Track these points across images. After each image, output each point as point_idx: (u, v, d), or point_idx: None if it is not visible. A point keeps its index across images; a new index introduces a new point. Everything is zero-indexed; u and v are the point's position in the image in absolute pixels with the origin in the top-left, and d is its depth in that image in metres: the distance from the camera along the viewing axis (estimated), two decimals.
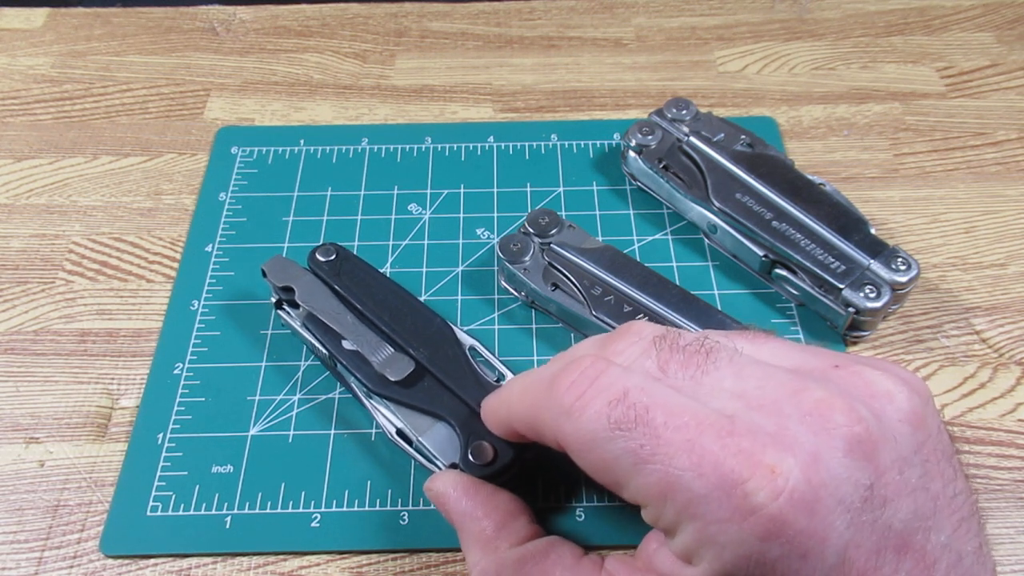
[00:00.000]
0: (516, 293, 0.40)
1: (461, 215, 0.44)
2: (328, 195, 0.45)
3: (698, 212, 0.42)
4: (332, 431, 0.36)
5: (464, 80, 0.52)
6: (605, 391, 0.25)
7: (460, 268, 0.42)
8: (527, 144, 0.47)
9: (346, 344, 0.35)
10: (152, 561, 0.33)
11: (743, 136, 0.43)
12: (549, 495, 0.34)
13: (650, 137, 0.44)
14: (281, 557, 0.33)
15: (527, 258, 0.39)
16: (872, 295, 0.37)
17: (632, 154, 0.44)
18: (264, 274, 0.37)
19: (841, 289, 0.37)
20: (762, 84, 0.51)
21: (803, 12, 0.56)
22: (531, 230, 0.40)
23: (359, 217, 0.44)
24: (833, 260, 0.38)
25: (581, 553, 0.29)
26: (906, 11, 0.55)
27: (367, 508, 0.34)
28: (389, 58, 0.53)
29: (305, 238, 0.43)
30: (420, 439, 0.34)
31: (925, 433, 0.24)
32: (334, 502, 0.34)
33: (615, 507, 0.34)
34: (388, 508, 0.34)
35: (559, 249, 0.39)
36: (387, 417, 0.35)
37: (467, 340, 0.36)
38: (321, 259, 0.38)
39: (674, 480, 0.23)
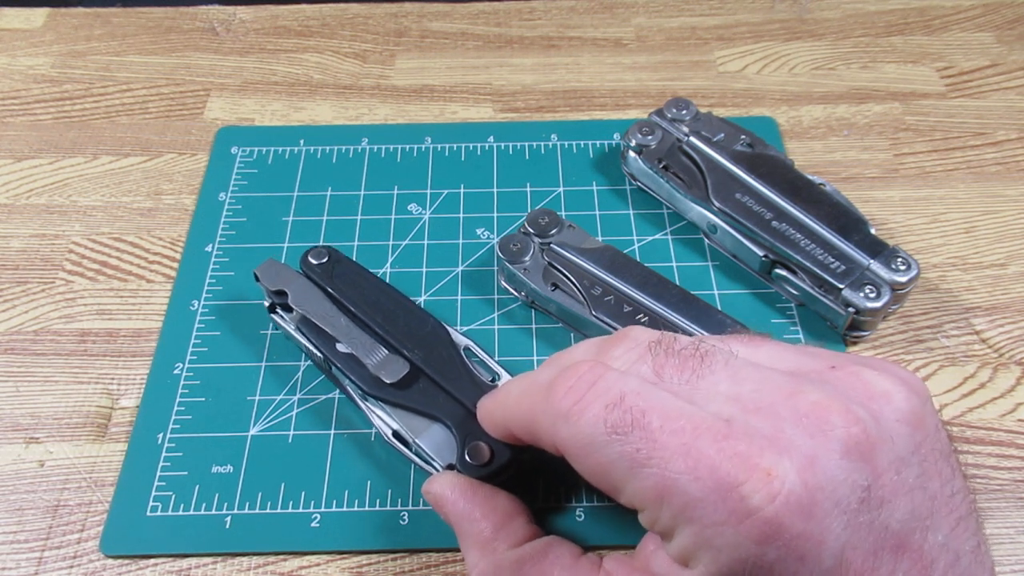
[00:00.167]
0: (516, 293, 0.40)
1: (461, 215, 0.44)
2: (328, 195, 0.45)
3: (698, 212, 0.42)
4: (332, 431, 0.36)
5: (464, 80, 0.52)
6: (602, 395, 0.25)
7: (460, 268, 0.42)
8: (527, 144, 0.47)
9: (340, 347, 0.35)
10: (152, 561, 0.33)
11: (743, 136, 0.43)
12: (549, 495, 0.34)
13: (650, 137, 0.44)
14: (281, 557, 0.33)
15: (527, 258, 0.39)
16: (872, 295, 0.37)
17: (632, 154, 0.44)
18: (257, 278, 0.37)
19: (841, 289, 0.37)
20: (762, 84, 0.51)
21: (803, 12, 0.56)
22: (531, 230, 0.40)
23: (359, 217, 0.44)
24: (833, 260, 0.38)
25: (579, 552, 0.29)
26: (906, 11, 0.55)
27: (367, 508, 0.34)
28: (389, 58, 0.53)
29: (305, 238, 0.43)
30: (416, 441, 0.34)
31: (923, 433, 0.24)
32: (334, 502, 0.34)
33: (614, 507, 0.34)
34: (388, 508, 0.34)
35: (559, 249, 0.39)
36: (383, 419, 0.35)
37: (462, 341, 0.36)
38: (313, 262, 0.38)
39: (670, 484, 0.23)
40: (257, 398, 0.37)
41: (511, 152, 0.47)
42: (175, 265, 0.42)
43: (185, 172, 0.47)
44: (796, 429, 0.23)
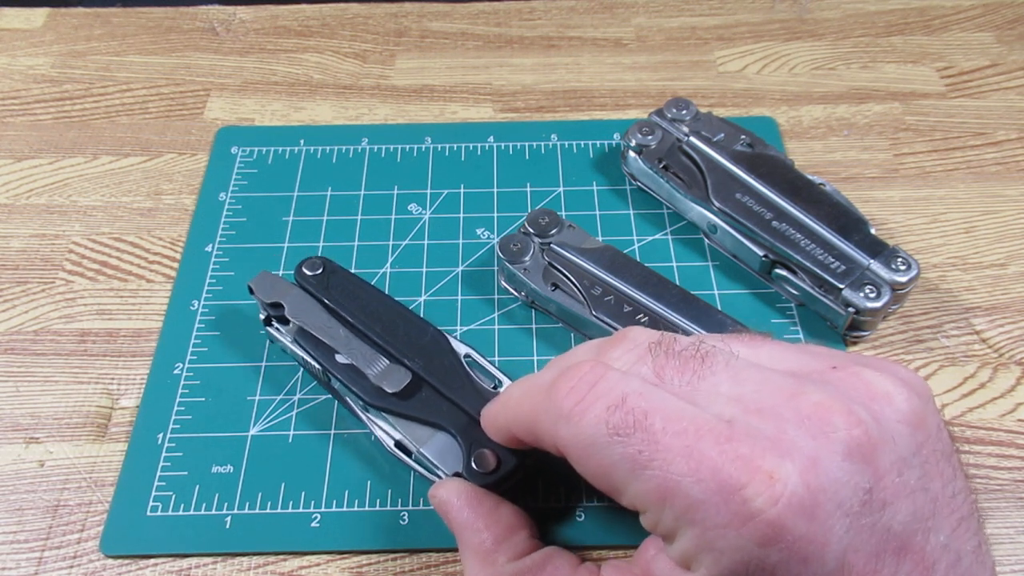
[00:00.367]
0: (516, 293, 0.40)
1: (461, 215, 0.44)
2: (328, 195, 0.45)
3: (698, 212, 0.42)
4: (332, 431, 0.36)
5: (464, 80, 0.52)
6: (604, 396, 0.25)
7: (460, 268, 0.42)
8: (527, 144, 0.47)
9: (340, 358, 0.35)
10: (152, 561, 0.33)
11: (743, 136, 0.43)
12: (549, 496, 0.34)
13: (650, 137, 0.44)
14: (281, 557, 0.33)
15: (527, 258, 0.39)
16: (872, 295, 0.37)
17: (632, 154, 0.44)
18: (251, 291, 0.37)
19: (841, 289, 0.37)
20: (762, 84, 0.51)
21: (803, 12, 0.56)
22: (531, 230, 0.40)
23: (359, 217, 0.44)
24: (833, 260, 0.38)
25: (578, 562, 0.29)
26: (906, 11, 0.55)
27: (367, 508, 0.34)
28: (389, 58, 0.53)
29: (305, 238, 0.43)
30: (421, 450, 0.33)
31: (924, 434, 0.24)
32: (334, 502, 0.34)
33: (615, 508, 0.34)
34: (388, 508, 0.34)
35: (559, 249, 0.39)
36: (385, 430, 0.35)
37: (462, 348, 0.36)
38: (308, 273, 0.37)
39: (673, 486, 0.23)
40: (257, 398, 0.37)
41: (511, 152, 0.47)
42: (175, 265, 0.42)
43: (185, 172, 0.47)
44: (798, 430, 0.23)
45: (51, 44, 0.54)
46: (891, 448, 0.23)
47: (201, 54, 0.53)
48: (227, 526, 0.34)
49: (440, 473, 0.33)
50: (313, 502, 0.34)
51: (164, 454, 0.36)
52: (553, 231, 0.40)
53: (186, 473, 0.35)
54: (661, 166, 0.43)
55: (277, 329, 0.37)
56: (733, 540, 0.22)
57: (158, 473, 0.35)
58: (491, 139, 0.48)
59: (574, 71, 0.52)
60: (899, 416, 0.24)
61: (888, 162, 0.47)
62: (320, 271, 0.37)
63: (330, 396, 0.37)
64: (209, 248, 0.43)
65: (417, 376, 0.34)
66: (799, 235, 0.39)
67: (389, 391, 0.34)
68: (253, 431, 0.36)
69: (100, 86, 0.51)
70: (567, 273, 0.39)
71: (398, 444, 0.34)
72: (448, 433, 0.33)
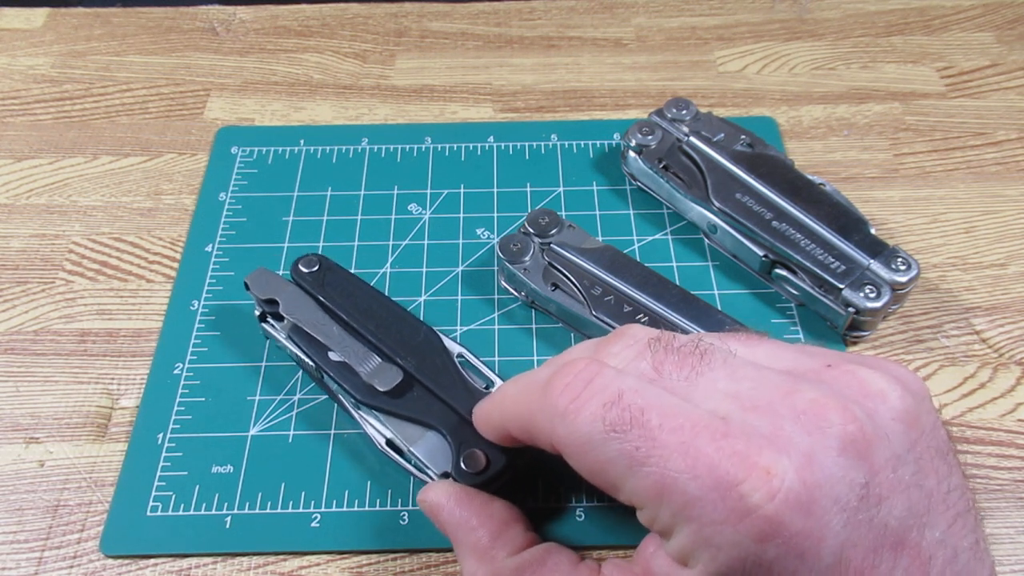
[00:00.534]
0: (516, 293, 0.40)
1: (461, 215, 0.44)
2: (328, 195, 0.45)
3: (698, 212, 0.42)
4: (332, 431, 0.36)
5: (464, 80, 0.52)
6: (600, 393, 0.25)
7: (460, 268, 0.42)
8: (527, 144, 0.47)
9: (333, 355, 0.35)
10: (152, 561, 0.33)
11: (743, 136, 0.43)
12: (548, 495, 0.34)
13: (650, 137, 0.44)
14: (281, 557, 0.33)
15: (527, 258, 0.39)
16: (872, 295, 0.37)
17: (632, 154, 0.44)
18: (247, 287, 0.37)
19: (841, 289, 0.37)
20: (762, 84, 0.51)
21: (803, 12, 0.56)
22: (531, 230, 0.40)
23: (359, 217, 0.44)
24: (833, 260, 0.38)
25: (578, 559, 0.29)
26: (906, 11, 0.55)
27: (367, 508, 0.34)
28: (389, 58, 0.53)
29: (305, 238, 0.43)
30: (411, 449, 0.34)
31: (918, 431, 0.24)
32: (334, 502, 0.34)
33: (614, 507, 0.34)
34: (388, 508, 0.34)
35: (559, 249, 0.39)
36: (376, 428, 0.35)
37: (455, 348, 0.36)
38: (304, 270, 0.37)
39: (669, 482, 0.23)
40: (257, 398, 0.37)
41: (511, 152, 0.47)
42: (175, 265, 0.42)
43: (185, 172, 0.47)
44: (794, 427, 0.23)
45: (51, 44, 0.54)
46: (885, 444, 0.23)
47: (201, 54, 0.53)
48: (227, 526, 0.34)
49: (430, 472, 0.33)
50: (313, 502, 0.34)
51: (164, 454, 0.36)
52: (553, 231, 0.40)
53: (186, 473, 0.35)
54: (661, 166, 0.43)
55: (272, 325, 0.37)
56: (730, 536, 0.22)
57: (158, 473, 0.35)
58: (491, 139, 0.48)
59: (574, 71, 0.52)
60: (893, 413, 0.24)
61: (888, 162, 0.47)
62: (316, 268, 0.37)
63: (329, 396, 0.37)
64: (209, 248, 0.43)
65: (409, 375, 0.34)
66: (799, 235, 0.39)
67: (380, 389, 0.34)
68: (253, 431, 0.36)
69: (100, 86, 0.51)
70: (567, 273, 0.39)
71: (389, 443, 0.34)
72: (438, 432, 0.33)
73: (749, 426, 0.23)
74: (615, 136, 0.48)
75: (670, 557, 0.25)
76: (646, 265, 0.39)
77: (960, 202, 0.45)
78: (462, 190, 0.45)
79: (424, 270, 0.42)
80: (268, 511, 0.34)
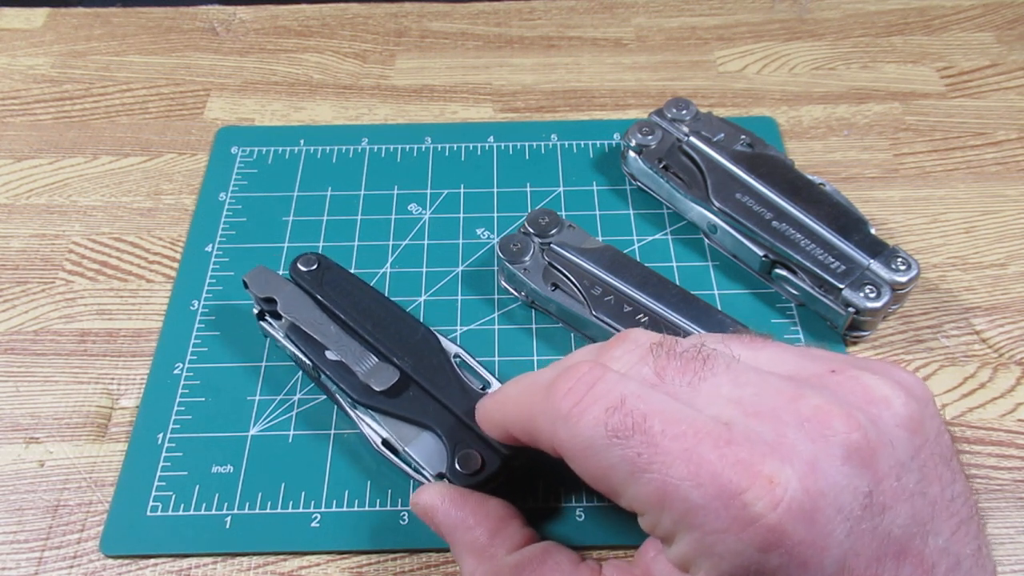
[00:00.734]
0: (516, 293, 0.40)
1: (461, 215, 0.44)
2: (328, 195, 0.45)
3: (698, 212, 0.42)
4: (332, 431, 0.36)
5: (464, 80, 0.52)
6: (602, 398, 0.24)
7: (460, 268, 0.42)
8: (527, 144, 0.47)
9: (330, 354, 0.35)
10: (152, 561, 0.33)
11: (743, 136, 0.43)
12: (548, 496, 0.34)
13: (650, 137, 0.44)
14: (281, 557, 0.33)
15: (527, 258, 0.39)
16: (872, 295, 0.37)
17: (632, 154, 0.44)
18: (245, 285, 0.37)
19: (841, 289, 0.37)
20: (762, 84, 0.51)
21: (803, 12, 0.56)
22: (531, 230, 0.40)
23: (359, 217, 0.44)
24: (833, 260, 0.38)
25: (578, 559, 0.29)
26: (906, 11, 0.55)
27: (367, 508, 0.34)
28: (389, 58, 0.53)
29: (305, 238, 0.43)
30: (406, 449, 0.33)
31: (922, 437, 0.24)
32: (334, 502, 0.34)
33: (614, 508, 0.34)
34: (388, 508, 0.34)
35: (559, 249, 0.39)
36: (372, 427, 0.35)
37: (452, 348, 0.36)
38: (303, 269, 0.37)
39: (672, 489, 0.23)
40: (257, 398, 0.37)
41: (511, 152, 0.47)
42: (175, 265, 0.42)
43: (185, 172, 0.47)
44: (798, 434, 0.23)
45: (51, 44, 0.54)
46: (889, 452, 0.23)
47: (201, 54, 0.53)
48: (227, 526, 0.34)
49: (425, 472, 0.33)
50: (313, 502, 0.34)
51: (164, 454, 0.36)
52: (553, 231, 0.40)
53: (186, 473, 0.35)
54: (661, 166, 0.43)
55: (270, 324, 0.37)
56: (733, 545, 0.22)
57: (158, 473, 0.35)
58: (491, 139, 0.48)
59: (574, 71, 0.52)
60: (897, 420, 0.24)
61: (888, 162, 0.47)
62: (315, 267, 0.37)
63: (327, 396, 0.37)
64: (209, 248, 0.43)
65: (405, 375, 0.34)
66: (799, 235, 0.39)
67: (377, 389, 0.34)
68: (253, 431, 0.36)
69: (100, 86, 0.51)
70: (567, 273, 0.39)
71: (385, 442, 0.34)
72: (434, 433, 0.33)
73: (752, 433, 0.23)
74: (615, 136, 0.48)
75: (671, 563, 0.25)
76: (646, 265, 0.39)
77: (960, 202, 0.45)
78: (462, 190, 0.45)
79: (424, 270, 0.42)
80: (268, 511, 0.34)
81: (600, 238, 0.41)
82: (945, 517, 0.23)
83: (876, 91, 0.50)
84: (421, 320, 0.37)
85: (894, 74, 0.51)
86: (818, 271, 0.38)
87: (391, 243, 0.43)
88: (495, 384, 0.35)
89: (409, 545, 0.33)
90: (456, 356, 0.36)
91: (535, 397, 0.27)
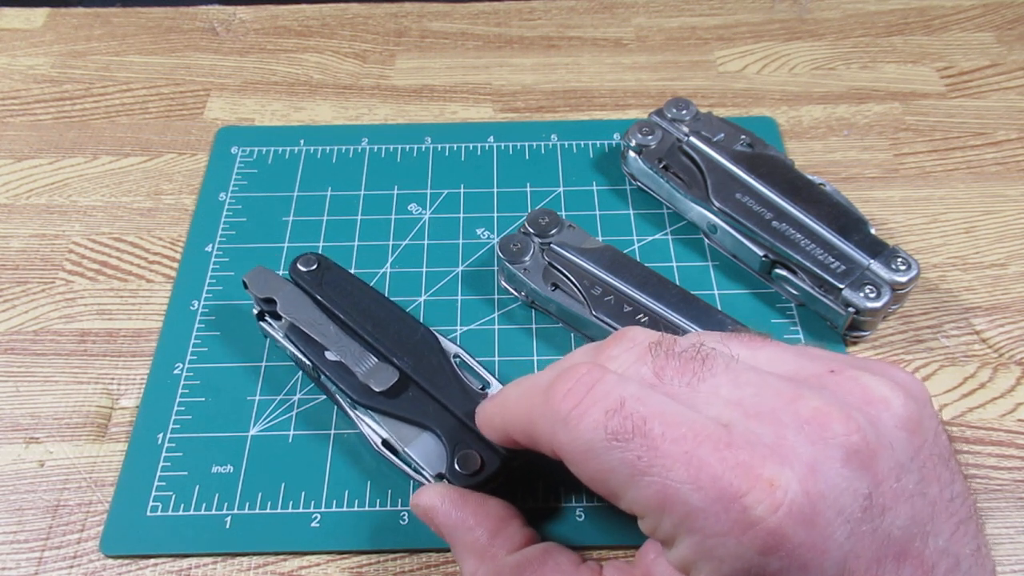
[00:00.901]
0: (516, 293, 0.40)
1: (461, 215, 0.44)
2: (328, 195, 0.45)
3: (698, 212, 0.42)
4: (332, 431, 0.36)
5: (464, 80, 0.52)
6: (602, 400, 0.24)
7: (460, 268, 0.42)
8: (527, 144, 0.47)
9: (329, 355, 0.35)
10: (152, 561, 0.33)
11: (743, 136, 0.43)
12: (548, 496, 0.34)
13: (650, 137, 0.44)
14: (281, 557, 0.33)
15: (527, 258, 0.39)
16: (872, 295, 0.37)
17: (632, 154, 0.44)
18: (245, 285, 0.37)
19: (841, 289, 0.37)
20: (762, 84, 0.51)
21: (803, 12, 0.56)
22: (531, 230, 0.40)
23: (359, 217, 0.44)
24: (833, 260, 0.38)
25: (579, 560, 0.29)
26: (906, 11, 0.55)
27: (367, 508, 0.34)
28: (389, 58, 0.53)
29: (305, 238, 0.43)
30: (406, 449, 0.33)
31: (921, 438, 0.24)
32: (334, 502, 0.34)
33: (615, 508, 0.34)
34: (388, 508, 0.34)
35: (559, 249, 0.39)
36: (372, 427, 0.35)
37: (451, 348, 0.36)
38: (303, 269, 0.37)
39: (672, 493, 0.23)
40: (257, 398, 0.37)
41: (511, 152, 0.47)
42: (175, 265, 0.42)
43: (185, 172, 0.47)
44: (797, 436, 0.23)
45: (51, 44, 0.54)
46: (889, 454, 0.23)
47: (201, 54, 0.53)
48: (227, 526, 0.34)
49: (425, 473, 0.33)
50: (313, 502, 0.34)
51: (164, 454, 0.36)
52: (553, 231, 0.40)
53: (186, 473, 0.35)
54: (661, 166, 0.43)
55: (270, 324, 0.37)
56: (733, 548, 0.22)
57: (158, 473, 0.35)
58: (491, 139, 0.48)
59: (574, 71, 0.52)
60: (896, 421, 0.24)
61: (888, 162, 0.47)
62: (315, 267, 0.37)
63: (327, 396, 0.37)
64: (209, 248, 0.43)
65: (405, 375, 0.34)
66: (799, 235, 0.39)
67: (376, 389, 0.34)
68: (253, 431, 0.36)
69: (100, 86, 0.51)
70: (567, 273, 0.39)
71: (384, 443, 0.34)
72: (434, 433, 0.33)
73: (752, 435, 0.23)
74: (615, 136, 0.48)
75: (672, 566, 0.25)
76: (646, 265, 0.39)
77: (960, 202, 0.45)
78: (462, 190, 0.45)
79: (424, 270, 0.42)
80: (268, 511, 0.34)
81: (600, 238, 0.41)
82: (944, 517, 0.23)
83: (876, 91, 0.50)
84: (421, 320, 0.37)
85: (894, 74, 0.51)
86: (818, 271, 0.38)
87: (391, 243, 0.43)
88: (495, 384, 0.35)
89: (409, 545, 0.33)
90: (456, 356, 0.36)
91: (534, 400, 0.27)
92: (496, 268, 0.41)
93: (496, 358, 0.38)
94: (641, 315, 0.37)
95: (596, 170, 0.46)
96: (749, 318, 0.39)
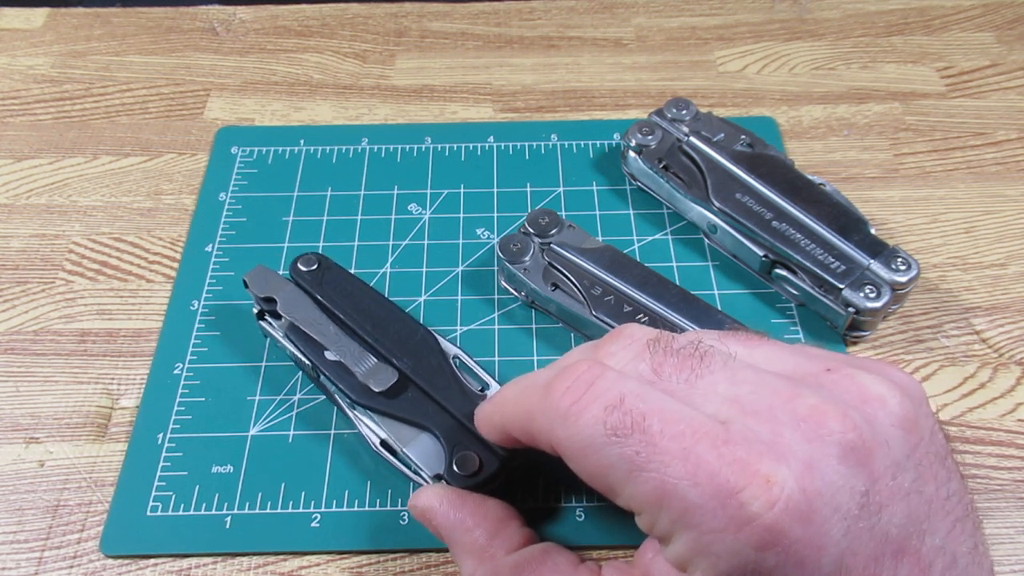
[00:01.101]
0: (516, 293, 0.40)
1: (461, 215, 0.44)
2: (328, 195, 0.45)
3: (698, 212, 0.42)
4: (332, 431, 0.36)
5: (464, 80, 0.52)
6: (601, 396, 0.24)
7: (460, 268, 0.42)
8: (527, 144, 0.47)
9: (329, 355, 0.35)
10: (152, 561, 0.33)
11: (743, 136, 0.43)
12: (548, 495, 0.34)
13: (650, 137, 0.44)
14: (281, 557, 0.33)
15: (527, 258, 0.39)
16: (872, 295, 0.37)
17: (632, 154, 0.44)
18: (246, 285, 0.37)
19: (841, 289, 0.37)
20: (762, 84, 0.51)
21: (803, 12, 0.56)
22: (531, 230, 0.40)
23: (359, 217, 0.44)
24: (833, 260, 0.38)
25: (578, 560, 0.29)
26: (906, 11, 0.55)
27: (367, 508, 0.34)
28: (389, 58, 0.53)
29: (305, 238, 0.43)
30: (404, 450, 0.33)
31: (917, 436, 0.24)
32: (334, 502, 0.34)
33: (614, 508, 0.34)
34: (388, 508, 0.34)
35: (559, 249, 0.39)
36: (371, 428, 0.35)
37: (451, 349, 0.36)
38: (303, 269, 0.37)
39: (670, 489, 0.23)
40: (257, 398, 0.37)
41: (511, 152, 0.47)
42: (175, 265, 0.42)
43: (185, 172, 0.47)
44: (794, 434, 0.23)
45: (51, 44, 0.54)
46: (885, 451, 0.23)
47: (201, 54, 0.53)
48: (227, 526, 0.34)
49: (423, 474, 0.33)
50: (313, 502, 0.34)
51: (164, 454, 0.36)
52: (553, 231, 0.40)
53: (186, 473, 0.35)
54: (661, 166, 0.43)
55: (269, 323, 0.37)
56: (730, 544, 0.22)
57: (158, 473, 0.35)
58: (491, 139, 0.48)
59: (574, 71, 0.52)
60: (892, 419, 0.24)
61: (888, 162, 0.47)
62: (315, 267, 0.37)
63: (326, 396, 0.37)
64: (209, 248, 0.43)
65: (404, 376, 0.34)
66: (799, 235, 0.39)
67: (376, 390, 0.34)
68: (253, 431, 0.36)
69: (100, 86, 0.51)
70: (567, 273, 0.39)
71: (383, 443, 0.34)
72: (432, 434, 0.33)
73: (749, 432, 0.23)
74: (615, 136, 0.48)
75: (668, 563, 0.25)
76: (646, 265, 0.39)
77: (960, 202, 0.45)
78: (462, 190, 0.45)
79: (424, 270, 0.42)
80: (268, 511, 0.34)
81: (600, 238, 0.41)
82: (941, 515, 0.23)
83: (876, 91, 0.50)
84: (421, 320, 0.37)
85: (894, 74, 0.51)
86: (818, 271, 0.38)
87: (391, 243, 0.43)
88: (494, 386, 0.35)
89: (409, 545, 0.33)
90: (455, 358, 0.36)
91: (533, 397, 0.27)
92: (496, 268, 0.41)
93: (496, 358, 0.38)
94: (641, 315, 0.37)
95: (596, 170, 0.46)
96: (749, 318, 0.39)
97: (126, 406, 0.37)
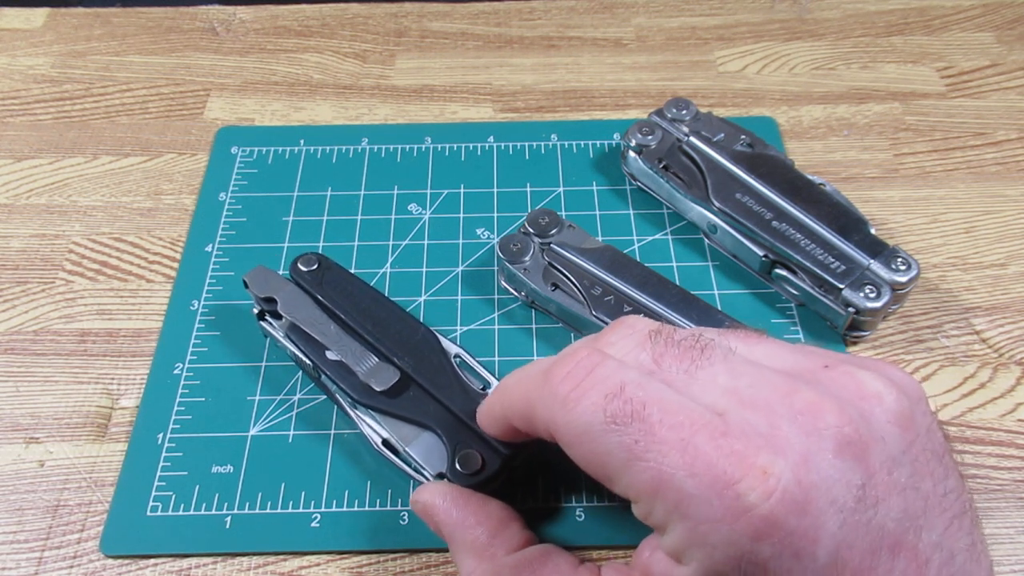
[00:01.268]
0: (516, 293, 0.40)
1: (461, 215, 0.44)
2: (328, 195, 0.45)
3: (698, 212, 0.42)
4: (332, 431, 0.36)
5: (464, 80, 0.52)
6: (601, 383, 0.25)
7: (460, 268, 0.42)
8: (527, 144, 0.47)
9: (330, 354, 0.35)
10: (152, 561, 0.33)
11: (743, 136, 0.43)
12: (549, 495, 0.34)
13: (650, 137, 0.44)
14: (281, 557, 0.33)
15: (527, 258, 0.39)
16: (872, 295, 0.37)
17: (632, 154, 0.44)
18: (246, 285, 0.37)
19: (841, 289, 0.37)
20: (762, 84, 0.51)
21: (803, 12, 0.56)
22: (531, 230, 0.40)
23: (359, 217, 0.44)
24: (833, 260, 0.38)
25: (577, 562, 0.29)
26: (906, 11, 0.55)
27: (367, 508, 0.34)
28: (389, 58, 0.53)
29: (305, 238, 0.43)
30: (407, 449, 0.33)
31: (913, 433, 0.24)
32: (334, 502, 0.34)
33: (615, 507, 0.34)
34: (388, 508, 0.34)
35: (559, 249, 0.39)
36: (372, 427, 0.35)
37: (452, 348, 0.36)
38: (303, 269, 0.37)
39: (666, 478, 0.23)
40: (257, 398, 0.37)
41: (511, 152, 0.47)
42: (175, 265, 0.42)
43: (185, 172, 0.47)
44: (791, 427, 0.23)
45: (51, 44, 0.54)
46: (881, 447, 0.23)
47: (201, 54, 0.53)
48: (227, 526, 0.34)
49: (425, 473, 0.33)
50: (313, 502, 0.34)
51: (164, 454, 0.36)
52: (553, 231, 0.40)
53: (186, 473, 0.35)
54: (661, 166, 0.43)
55: (270, 323, 0.37)
56: (726, 534, 0.22)
57: (158, 473, 0.35)
58: (491, 139, 0.48)
59: (574, 71, 0.52)
60: (888, 416, 0.24)
61: (888, 162, 0.47)
62: (315, 267, 0.37)
63: (327, 396, 0.37)
64: (209, 248, 0.43)
65: (406, 375, 0.34)
66: (799, 235, 0.39)
67: (377, 389, 0.34)
68: (253, 431, 0.36)
69: (100, 86, 0.51)
70: (567, 273, 0.39)
71: (385, 442, 0.34)
72: (434, 433, 0.33)
73: (747, 424, 0.23)
74: (615, 136, 0.48)
75: (664, 553, 0.25)
76: (646, 265, 0.39)
77: (960, 202, 0.45)
78: (462, 190, 0.45)
79: (424, 270, 0.42)
80: (268, 511, 0.34)
81: (600, 238, 0.41)
82: (938, 512, 0.24)
83: (876, 91, 0.50)
84: (421, 320, 0.37)
85: (894, 74, 0.51)
86: (818, 271, 0.38)
87: (391, 243, 0.43)
88: (495, 384, 0.35)
89: (409, 545, 0.33)
90: (456, 356, 0.36)
91: (533, 382, 0.27)
92: (496, 268, 0.41)
93: (496, 358, 0.38)
94: (641, 315, 0.37)
95: (596, 170, 0.46)
96: (749, 318, 0.39)
97: (126, 406, 0.37)
